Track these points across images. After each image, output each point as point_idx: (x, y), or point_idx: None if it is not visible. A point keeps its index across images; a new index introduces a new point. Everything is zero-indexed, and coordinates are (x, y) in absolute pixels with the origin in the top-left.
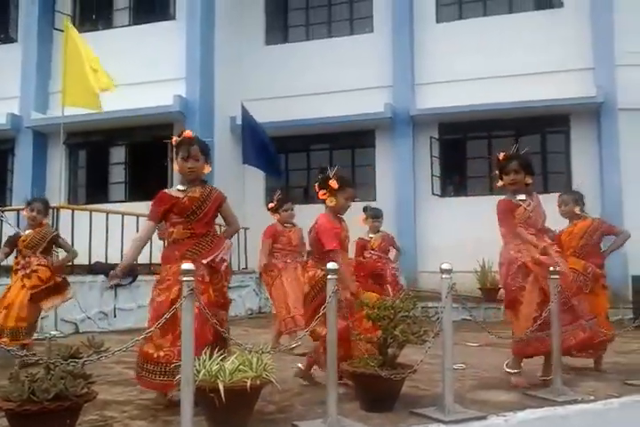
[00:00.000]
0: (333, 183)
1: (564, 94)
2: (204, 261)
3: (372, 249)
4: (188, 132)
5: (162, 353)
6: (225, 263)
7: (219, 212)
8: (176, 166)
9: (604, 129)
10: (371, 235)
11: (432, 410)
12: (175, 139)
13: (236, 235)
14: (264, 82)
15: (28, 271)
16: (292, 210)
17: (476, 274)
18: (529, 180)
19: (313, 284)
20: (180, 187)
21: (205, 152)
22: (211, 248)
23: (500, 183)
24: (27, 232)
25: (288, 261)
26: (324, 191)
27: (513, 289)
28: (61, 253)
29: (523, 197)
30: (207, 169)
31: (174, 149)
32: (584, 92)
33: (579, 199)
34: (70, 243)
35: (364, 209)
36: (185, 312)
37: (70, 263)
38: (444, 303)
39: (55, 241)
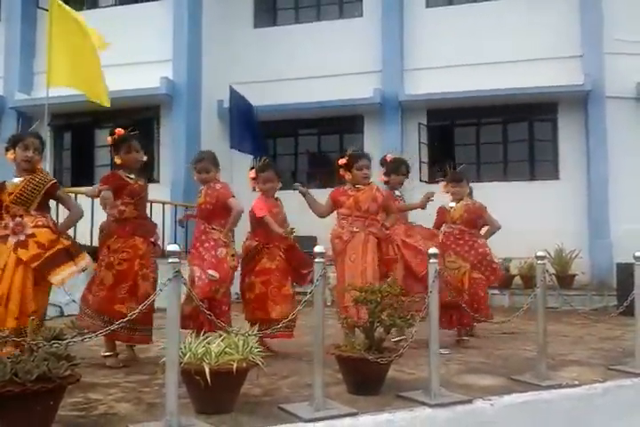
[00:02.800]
0: (252, 173)
1: (553, 82)
2: (152, 239)
3: (453, 222)
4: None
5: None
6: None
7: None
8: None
9: (592, 117)
10: (451, 204)
11: (418, 393)
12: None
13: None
14: (252, 65)
15: (22, 238)
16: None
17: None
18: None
19: (247, 252)
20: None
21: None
22: (152, 229)
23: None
24: (14, 180)
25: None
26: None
27: None
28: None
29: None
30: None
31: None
32: (572, 80)
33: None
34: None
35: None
36: (171, 293)
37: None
38: (430, 288)
39: (52, 193)
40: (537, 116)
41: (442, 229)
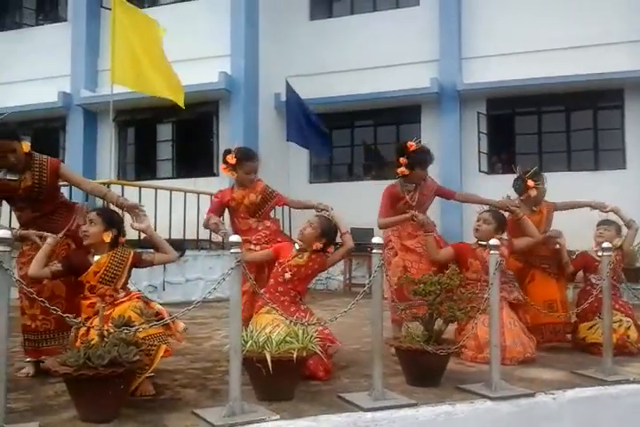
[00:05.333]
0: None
1: (618, 67)
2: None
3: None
4: None
5: (38, 323)
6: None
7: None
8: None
9: None
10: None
11: (479, 386)
12: None
13: (282, 211)
14: (308, 58)
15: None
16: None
17: None
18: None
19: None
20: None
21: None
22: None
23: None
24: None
25: None
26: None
27: None
28: None
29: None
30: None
31: None
32: (639, 65)
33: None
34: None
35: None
36: (233, 282)
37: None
38: (491, 280)
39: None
40: (602, 103)
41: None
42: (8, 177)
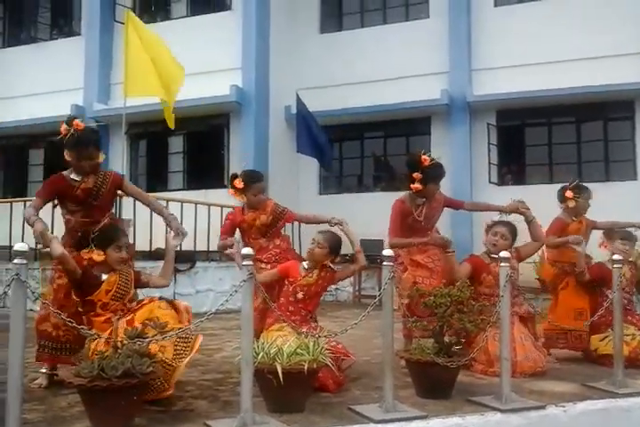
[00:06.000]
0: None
1: (628, 79)
2: None
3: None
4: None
5: (61, 333)
6: None
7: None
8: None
9: None
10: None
11: (489, 399)
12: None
13: (292, 227)
14: (319, 70)
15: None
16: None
17: (535, 264)
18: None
19: None
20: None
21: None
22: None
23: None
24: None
25: None
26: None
27: None
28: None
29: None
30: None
31: None
32: None
33: None
34: (132, 230)
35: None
36: (245, 294)
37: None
38: (502, 293)
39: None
40: (612, 114)
41: None
42: (72, 176)
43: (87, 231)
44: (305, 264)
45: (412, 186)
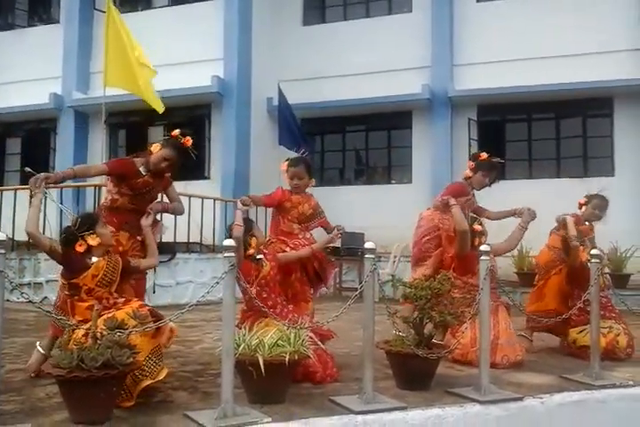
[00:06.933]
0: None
1: (608, 76)
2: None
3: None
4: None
5: None
6: None
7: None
8: None
9: None
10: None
11: (468, 390)
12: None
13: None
14: (301, 63)
15: None
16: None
17: (513, 258)
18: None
19: None
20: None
21: None
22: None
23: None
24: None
25: None
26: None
27: None
28: None
29: None
30: None
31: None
32: (629, 74)
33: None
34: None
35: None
36: (226, 286)
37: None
38: (482, 285)
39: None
40: (591, 111)
41: None
42: (141, 169)
43: (131, 218)
44: (257, 256)
45: (464, 172)
